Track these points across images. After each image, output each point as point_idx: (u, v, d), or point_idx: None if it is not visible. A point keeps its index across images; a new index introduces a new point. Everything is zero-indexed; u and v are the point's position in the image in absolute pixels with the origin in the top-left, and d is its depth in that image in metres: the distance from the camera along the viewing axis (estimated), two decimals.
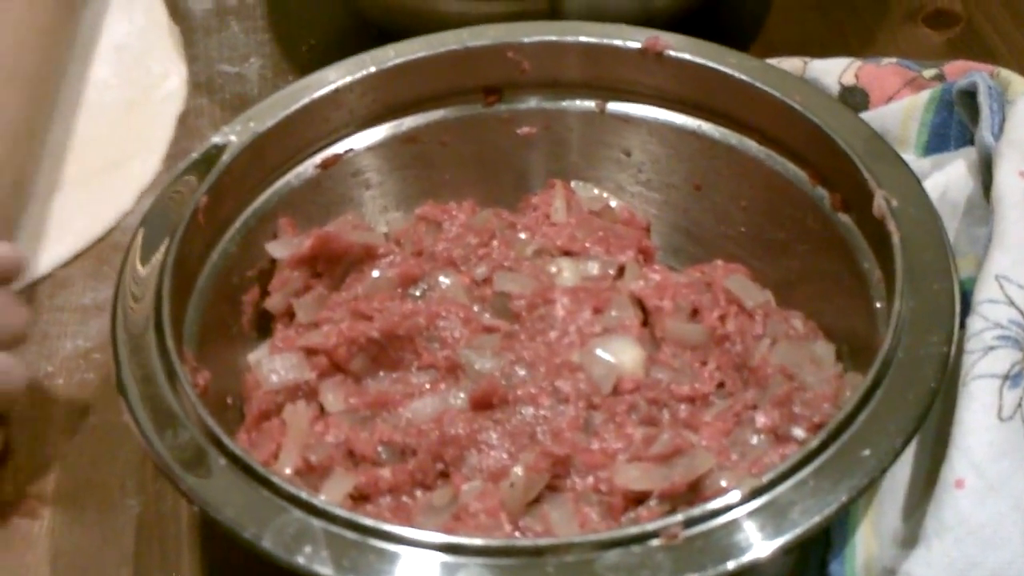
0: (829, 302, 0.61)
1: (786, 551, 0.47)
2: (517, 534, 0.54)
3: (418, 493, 0.56)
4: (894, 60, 0.70)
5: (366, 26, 0.86)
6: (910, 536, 0.50)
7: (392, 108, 0.68)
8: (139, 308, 0.57)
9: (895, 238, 0.56)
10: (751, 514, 0.47)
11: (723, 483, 0.53)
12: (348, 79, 0.67)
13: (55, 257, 0.77)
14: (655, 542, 0.46)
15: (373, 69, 0.67)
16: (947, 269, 0.55)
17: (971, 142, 0.63)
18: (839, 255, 0.61)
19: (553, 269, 0.65)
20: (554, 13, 0.76)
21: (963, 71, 0.66)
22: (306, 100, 0.66)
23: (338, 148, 0.68)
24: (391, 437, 0.57)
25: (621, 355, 0.60)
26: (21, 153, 0.76)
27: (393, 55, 0.68)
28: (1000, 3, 0.89)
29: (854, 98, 0.69)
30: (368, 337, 0.60)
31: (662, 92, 0.68)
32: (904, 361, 0.51)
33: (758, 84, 0.64)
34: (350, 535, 0.47)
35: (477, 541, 0.47)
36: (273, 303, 0.64)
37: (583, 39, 0.68)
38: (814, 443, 0.48)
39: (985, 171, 0.60)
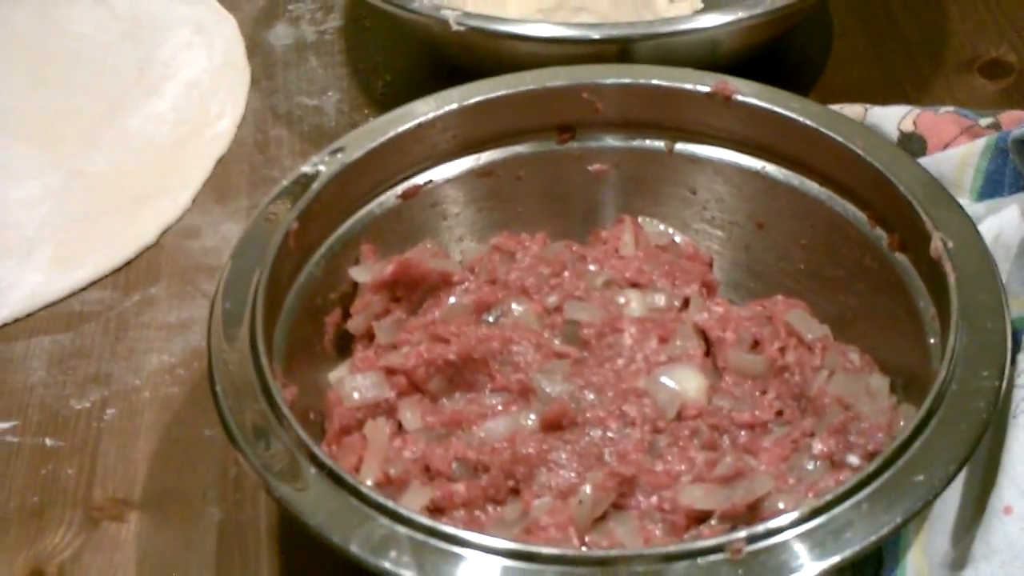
0: (884, 338, 0.63)
1: (840, 570, 0.49)
2: (584, 548, 0.56)
3: (490, 508, 0.59)
4: (951, 109, 0.72)
5: (440, 64, 0.89)
6: (959, 559, 0.53)
7: (471, 143, 0.71)
8: (232, 325, 0.59)
9: (951, 278, 0.58)
10: (809, 532, 0.49)
11: (780, 505, 0.56)
12: (431, 115, 0.69)
13: (72, 282, 0.80)
14: (719, 556, 0.49)
15: (455, 106, 0.70)
16: (1000, 308, 0.57)
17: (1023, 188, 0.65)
18: (895, 293, 0.63)
19: (621, 300, 0.67)
20: (623, 57, 0.78)
21: (1018, 121, 0.68)
22: (391, 134, 0.68)
23: (419, 180, 0.70)
24: (465, 454, 0.60)
25: (685, 383, 0.62)
26: None
27: (474, 93, 0.70)
28: None
29: (912, 144, 0.71)
30: (445, 359, 0.63)
31: (728, 134, 0.70)
32: (957, 393, 0.53)
33: (822, 129, 0.66)
34: (433, 542, 0.50)
35: (551, 550, 0.49)
36: (354, 324, 0.67)
37: (655, 82, 0.70)
38: (870, 468, 0.51)
39: None
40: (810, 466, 0.58)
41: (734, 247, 0.72)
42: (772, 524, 0.49)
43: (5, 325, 0.78)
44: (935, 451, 0.52)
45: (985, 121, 0.70)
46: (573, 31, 0.79)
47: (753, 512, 0.56)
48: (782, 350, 0.63)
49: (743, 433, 0.61)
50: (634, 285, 0.68)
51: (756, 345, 0.64)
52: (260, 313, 0.59)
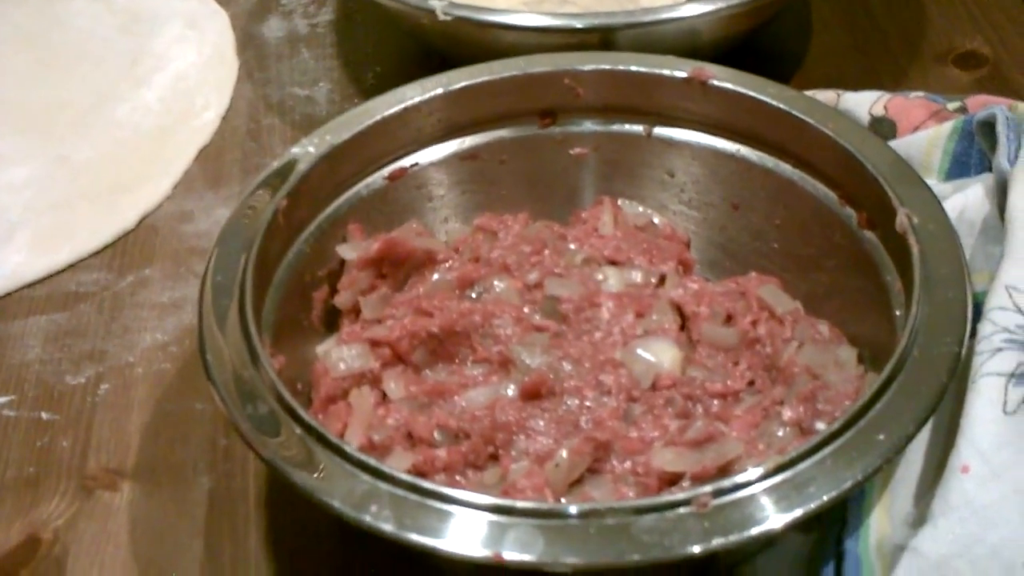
0: (854, 312, 0.65)
1: (804, 524, 0.51)
2: None
3: (470, 472, 0.60)
4: (921, 94, 0.74)
5: (429, 55, 0.91)
6: (920, 517, 0.54)
7: (456, 127, 0.73)
8: (223, 296, 0.61)
9: (915, 250, 0.60)
10: (774, 487, 0.51)
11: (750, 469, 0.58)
12: (417, 99, 0.71)
13: (51, 264, 0.82)
14: (686, 509, 0.50)
15: (441, 91, 0.71)
16: (961, 280, 0.59)
17: (989, 169, 0.67)
18: (864, 269, 0.65)
19: (599, 276, 0.69)
20: (605, 45, 0.80)
21: (984, 104, 0.70)
22: (377, 117, 0.70)
23: (405, 162, 0.72)
24: (446, 422, 0.61)
25: (660, 354, 0.64)
26: None
27: (459, 79, 0.72)
28: None
29: (883, 128, 0.72)
30: (428, 332, 0.65)
31: (705, 118, 0.72)
32: (918, 359, 0.55)
33: (794, 112, 0.68)
34: (412, 497, 0.52)
35: (526, 504, 0.51)
36: (341, 300, 0.69)
37: (634, 68, 0.72)
38: (834, 426, 0.53)
39: (1001, 194, 0.63)
40: (780, 432, 0.60)
41: (710, 227, 0.73)
42: (738, 479, 0.51)
43: None
44: (896, 412, 0.53)
45: (952, 105, 0.72)
46: (556, 20, 0.81)
47: (723, 475, 0.57)
48: (754, 323, 0.65)
49: (715, 402, 0.63)
50: (612, 262, 0.70)
51: (729, 319, 0.66)
52: (250, 287, 0.61)
